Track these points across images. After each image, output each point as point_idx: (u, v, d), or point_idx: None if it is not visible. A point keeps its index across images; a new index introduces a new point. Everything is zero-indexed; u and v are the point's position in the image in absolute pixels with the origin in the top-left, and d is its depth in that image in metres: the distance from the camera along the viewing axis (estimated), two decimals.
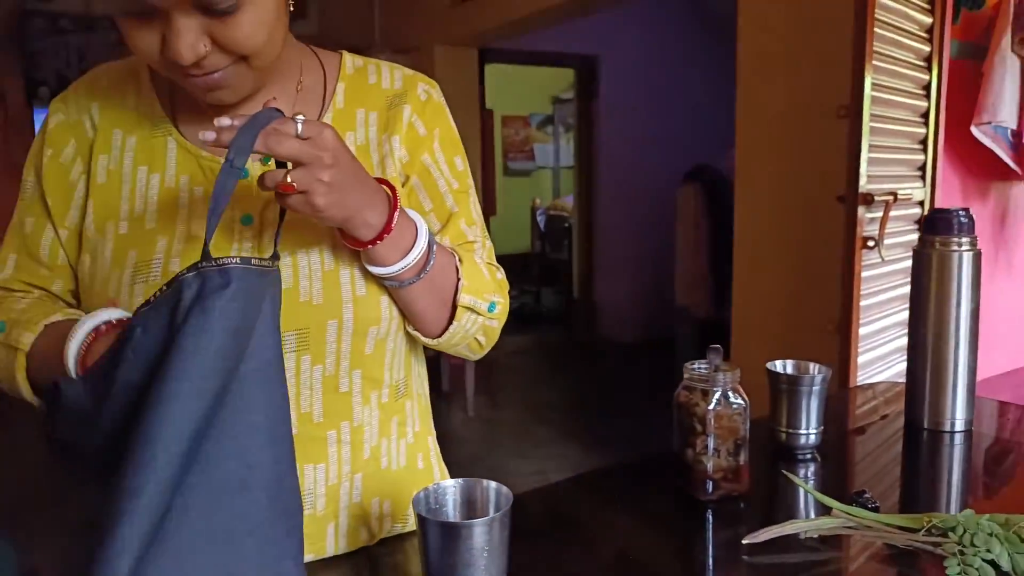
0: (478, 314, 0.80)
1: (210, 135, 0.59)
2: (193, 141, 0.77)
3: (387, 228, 0.69)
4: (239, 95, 0.72)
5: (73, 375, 0.64)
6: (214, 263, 0.57)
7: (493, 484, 0.62)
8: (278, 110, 0.62)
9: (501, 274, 0.87)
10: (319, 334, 0.73)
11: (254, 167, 0.75)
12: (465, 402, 4.02)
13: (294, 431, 0.72)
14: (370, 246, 0.70)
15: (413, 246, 0.72)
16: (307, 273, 0.73)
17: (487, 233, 0.89)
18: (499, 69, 5.61)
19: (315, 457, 0.76)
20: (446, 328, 0.79)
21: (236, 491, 0.56)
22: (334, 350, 0.75)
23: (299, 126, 0.61)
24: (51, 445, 0.67)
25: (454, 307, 0.78)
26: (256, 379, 0.58)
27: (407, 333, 0.81)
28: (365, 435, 0.79)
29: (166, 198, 0.75)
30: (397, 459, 0.83)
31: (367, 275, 0.75)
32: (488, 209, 4.78)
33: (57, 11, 4.61)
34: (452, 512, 0.62)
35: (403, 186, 0.82)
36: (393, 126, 0.82)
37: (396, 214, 0.69)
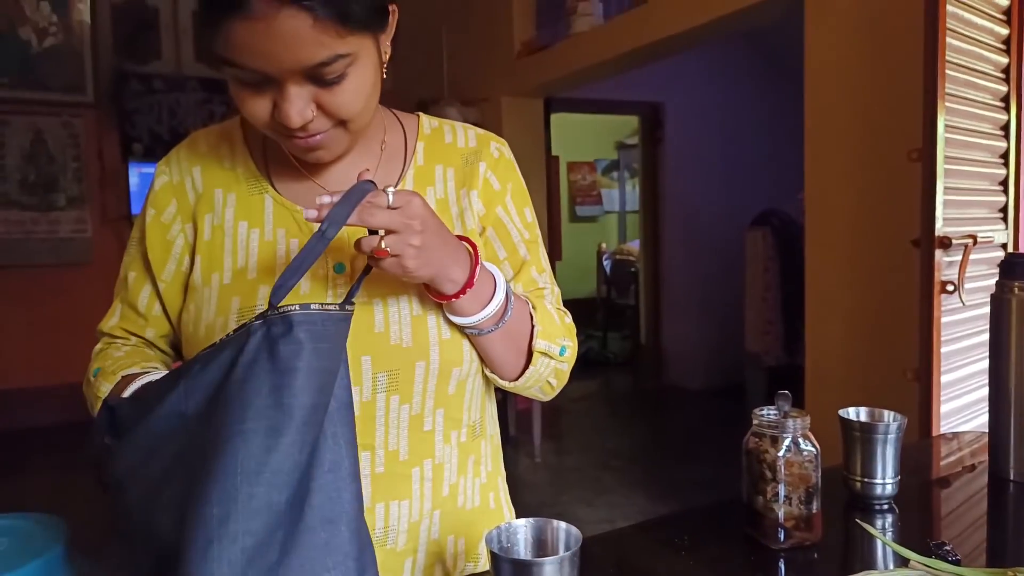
0: (551, 358, 0.84)
1: (312, 213, 0.64)
2: (288, 197, 0.83)
3: (469, 283, 0.74)
4: (334, 155, 0.78)
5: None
6: (277, 311, 0.62)
7: (563, 524, 0.63)
8: (371, 182, 0.67)
9: (569, 318, 0.91)
10: (408, 375, 0.78)
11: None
12: (532, 447, 4.01)
13: (380, 469, 0.76)
14: (453, 299, 0.75)
15: (492, 298, 0.77)
16: (397, 318, 0.78)
17: (554, 279, 0.93)
18: (565, 116, 5.71)
19: (400, 494, 0.79)
20: (522, 372, 0.83)
21: (321, 526, 0.59)
22: (420, 390, 0.79)
23: (390, 197, 0.67)
24: (98, 465, 0.73)
25: (530, 352, 0.82)
26: (338, 418, 0.62)
27: (485, 375, 0.85)
28: (445, 473, 0.83)
29: (265, 250, 0.81)
30: (472, 498, 0.86)
31: (452, 321, 0.79)
32: (554, 254, 4.82)
33: (152, 73, 4.95)
34: (523, 551, 0.64)
35: (480, 235, 0.87)
36: (470, 181, 0.87)
37: (478, 269, 0.74)
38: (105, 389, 0.79)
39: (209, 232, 0.83)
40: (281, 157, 0.84)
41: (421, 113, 0.92)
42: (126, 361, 0.83)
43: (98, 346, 0.89)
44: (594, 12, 3.64)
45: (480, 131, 0.92)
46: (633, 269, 6.19)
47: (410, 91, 5.02)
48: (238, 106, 0.74)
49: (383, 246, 0.66)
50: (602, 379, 5.90)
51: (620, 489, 3.53)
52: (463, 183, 0.87)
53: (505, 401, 4.16)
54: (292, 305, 0.63)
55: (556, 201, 6.50)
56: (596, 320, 6.97)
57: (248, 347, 0.62)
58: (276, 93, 0.70)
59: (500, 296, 0.77)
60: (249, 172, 0.85)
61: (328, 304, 0.65)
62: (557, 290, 0.93)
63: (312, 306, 0.63)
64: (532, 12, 4.19)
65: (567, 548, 0.61)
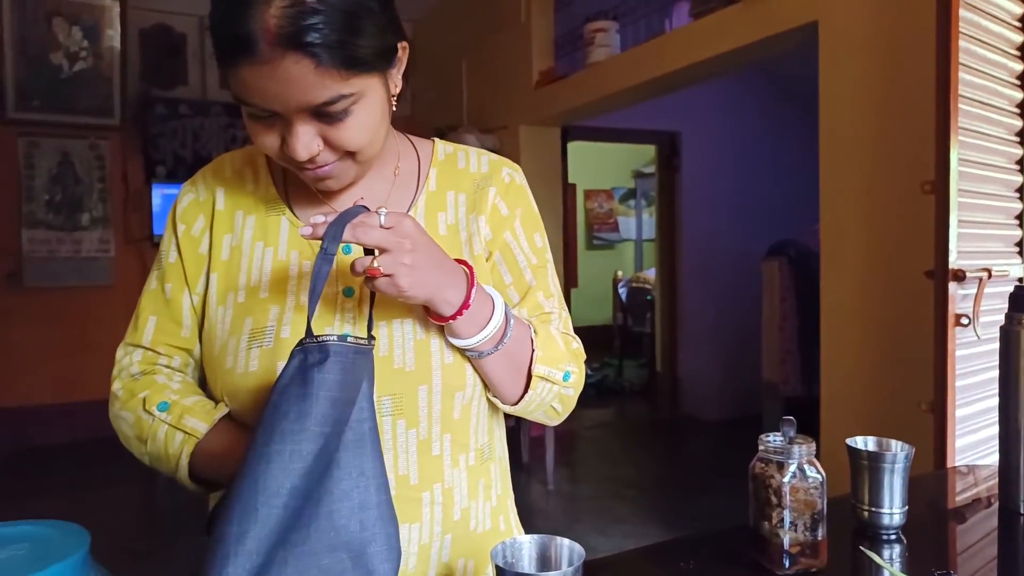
0: (553, 383, 0.85)
1: (307, 230, 0.68)
2: (304, 221, 0.85)
3: (465, 304, 0.76)
4: (342, 184, 0.82)
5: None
6: (315, 340, 0.66)
7: (566, 541, 0.64)
8: (364, 207, 0.71)
9: (577, 343, 0.92)
10: (412, 398, 0.79)
11: (357, 249, 0.83)
12: (545, 474, 3.99)
13: (393, 492, 0.77)
14: (451, 320, 0.76)
15: (490, 320, 0.78)
16: (400, 343, 0.80)
17: (564, 305, 0.94)
18: (582, 144, 5.76)
19: (411, 517, 0.80)
20: (522, 396, 0.84)
21: (326, 551, 0.60)
22: (426, 415, 0.80)
23: (382, 217, 0.70)
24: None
25: (530, 376, 0.83)
26: (353, 448, 0.64)
27: (489, 399, 0.86)
28: (455, 497, 0.84)
29: (278, 271, 0.83)
30: (483, 522, 0.87)
31: (453, 344, 0.80)
32: (570, 281, 4.84)
33: (177, 98, 5.07)
34: (528, 566, 0.65)
35: (487, 261, 0.88)
36: (479, 206, 0.89)
37: (473, 291, 0.76)
38: (201, 428, 0.80)
39: (227, 252, 0.86)
40: (299, 182, 0.86)
41: (437, 139, 0.94)
42: (200, 403, 0.84)
43: (134, 362, 0.88)
44: (612, 43, 3.69)
45: (495, 157, 0.94)
46: (649, 297, 6.19)
47: (430, 119, 5.11)
48: (251, 138, 0.78)
49: (375, 265, 0.68)
50: (617, 407, 5.88)
51: (634, 519, 3.50)
52: (473, 208, 0.89)
53: (518, 427, 4.15)
54: (331, 335, 0.67)
55: (572, 228, 6.56)
56: (612, 348, 6.96)
57: (285, 372, 0.66)
58: (284, 128, 0.74)
59: (498, 318, 0.78)
60: (269, 196, 0.88)
61: (360, 338, 0.69)
62: (566, 315, 0.94)
63: (348, 338, 0.67)
64: (550, 43, 4.26)
65: (570, 564, 0.63)
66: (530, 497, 3.84)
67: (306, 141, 0.74)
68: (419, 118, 5.44)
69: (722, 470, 4.15)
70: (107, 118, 4.86)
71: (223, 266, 0.85)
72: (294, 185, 0.88)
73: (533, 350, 0.83)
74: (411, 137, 0.94)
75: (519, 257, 0.90)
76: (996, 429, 1.93)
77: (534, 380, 0.83)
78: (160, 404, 0.82)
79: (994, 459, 1.93)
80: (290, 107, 0.71)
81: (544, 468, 4.00)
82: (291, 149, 0.74)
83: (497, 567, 0.61)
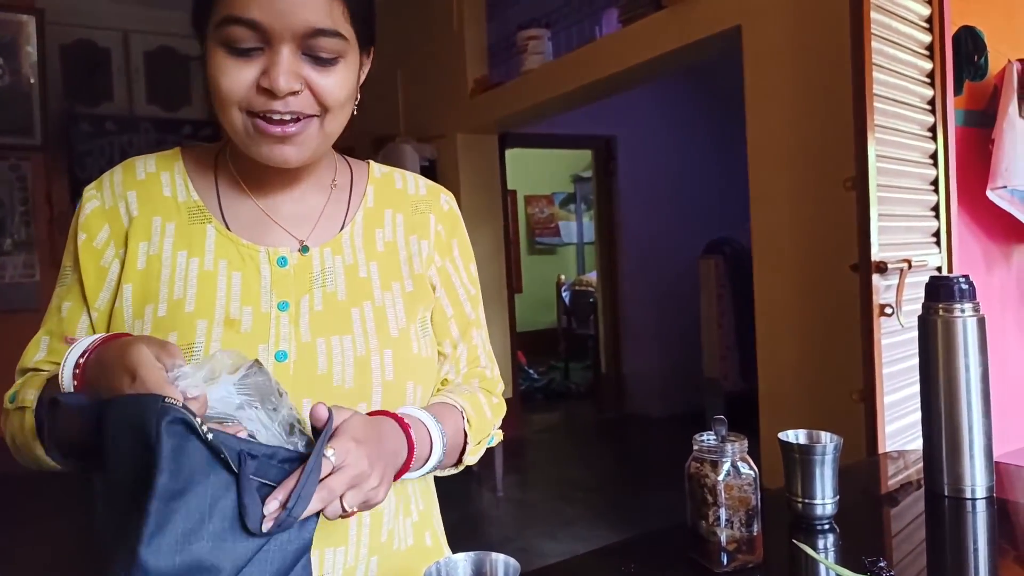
0: (477, 454, 0.91)
1: (268, 524, 0.58)
2: (233, 229, 0.81)
3: (408, 460, 0.74)
4: (302, 156, 0.76)
5: (69, 388, 0.67)
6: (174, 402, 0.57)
7: (501, 557, 0.64)
8: (329, 414, 0.64)
9: (497, 397, 0.96)
10: None
11: (292, 257, 0.81)
12: (494, 481, 3.99)
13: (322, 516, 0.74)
14: (402, 474, 0.75)
15: (431, 452, 0.79)
16: (340, 360, 0.78)
17: (487, 337, 0.98)
18: (522, 150, 5.79)
19: (336, 541, 0.78)
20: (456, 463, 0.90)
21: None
22: None
23: (331, 459, 0.62)
24: (53, 453, 0.69)
25: (460, 461, 0.89)
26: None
27: None
28: (384, 518, 0.82)
29: (205, 282, 0.78)
30: (405, 539, 0.86)
31: (395, 361, 0.80)
32: (513, 287, 4.85)
33: (103, 114, 4.91)
34: None
35: (434, 290, 0.90)
36: (421, 230, 0.90)
37: (414, 449, 0.75)
38: (32, 395, 0.74)
39: (143, 261, 0.79)
40: (227, 186, 0.83)
41: (371, 161, 0.95)
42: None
43: (15, 385, 0.80)
44: (544, 50, 3.73)
45: (430, 182, 0.96)
46: (592, 299, 6.26)
47: (366, 129, 5.06)
48: (214, 83, 0.72)
49: (349, 509, 0.63)
50: (564, 410, 5.91)
51: (584, 521, 3.52)
52: (413, 230, 0.90)
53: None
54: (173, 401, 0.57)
55: (514, 234, 6.57)
56: (557, 351, 7.00)
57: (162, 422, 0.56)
58: (266, 60, 0.71)
59: (439, 450, 0.80)
60: (190, 201, 0.83)
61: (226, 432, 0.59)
62: (489, 349, 0.98)
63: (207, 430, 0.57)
64: (484, 51, 4.27)
65: None
66: (481, 505, 3.83)
67: (291, 72, 0.71)
68: (356, 128, 5.38)
69: (668, 466, 4.20)
70: (28, 137, 4.66)
71: (139, 276, 0.79)
72: (222, 190, 0.84)
73: (466, 442, 0.86)
74: (347, 157, 0.94)
75: (459, 290, 0.93)
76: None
77: (465, 459, 0.88)
78: (10, 396, 0.77)
79: (919, 443, 2.01)
80: (287, 25, 0.69)
81: (493, 475, 4.00)
82: (273, 79, 0.70)
83: None
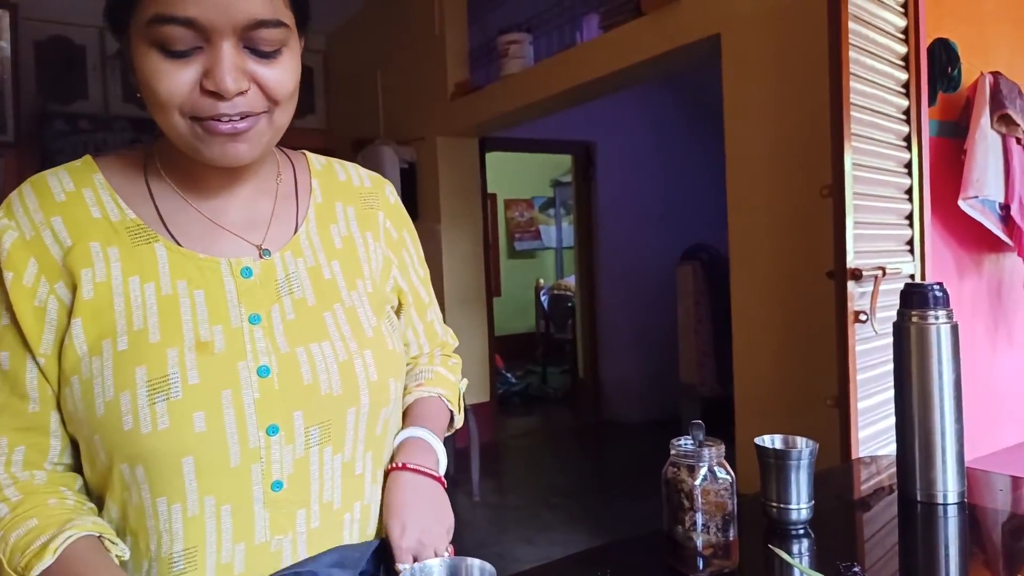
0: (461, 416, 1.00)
1: None
2: (188, 245, 0.75)
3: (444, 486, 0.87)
4: (254, 153, 0.72)
5: None
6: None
7: (477, 562, 0.63)
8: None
9: (454, 358, 1.04)
10: (340, 424, 0.76)
11: (255, 266, 0.76)
12: (471, 486, 3.97)
13: (316, 524, 0.74)
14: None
15: (438, 464, 0.88)
16: (324, 367, 0.75)
17: (438, 307, 1.01)
18: (502, 154, 5.79)
19: (332, 542, 0.77)
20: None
21: None
22: (352, 437, 0.77)
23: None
24: None
25: (451, 423, 0.99)
26: None
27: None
28: (372, 511, 0.81)
29: (166, 306, 0.71)
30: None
31: (376, 360, 0.79)
32: (492, 290, 4.84)
33: (77, 112, 4.83)
34: None
35: (398, 293, 0.91)
36: (372, 227, 0.88)
37: (444, 484, 0.88)
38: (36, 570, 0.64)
39: (90, 290, 0.70)
40: (165, 197, 0.76)
41: (306, 151, 0.91)
42: (44, 521, 0.67)
43: None
44: (525, 54, 3.73)
45: (370, 172, 0.93)
46: (570, 304, 6.27)
47: (346, 131, 5.03)
48: (149, 88, 0.67)
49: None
50: (542, 414, 5.91)
51: (561, 526, 3.52)
52: (364, 225, 0.87)
53: (444, 441, 4.11)
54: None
55: (494, 238, 6.57)
56: (535, 355, 7.00)
57: None
58: (207, 60, 0.66)
59: (443, 460, 0.89)
60: (127, 220, 0.74)
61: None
62: (445, 328, 1.03)
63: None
64: (465, 55, 4.27)
65: None
66: (456, 509, 3.76)
67: (236, 71, 0.66)
68: (334, 131, 5.36)
69: (645, 472, 4.22)
70: (0, 134, 4.58)
71: (88, 308, 0.70)
72: (162, 201, 0.76)
73: (452, 413, 0.97)
74: (282, 148, 0.88)
75: (414, 278, 0.94)
76: (893, 420, 2.03)
77: (457, 422, 0.99)
78: None
79: (892, 448, 2.03)
80: (231, 18, 0.64)
81: (470, 480, 3.98)
82: (219, 80, 0.65)
83: None
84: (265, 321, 0.74)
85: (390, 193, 0.92)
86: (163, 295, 0.72)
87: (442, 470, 0.87)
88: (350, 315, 0.80)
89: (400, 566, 0.73)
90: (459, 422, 0.99)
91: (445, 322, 1.04)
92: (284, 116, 0.73)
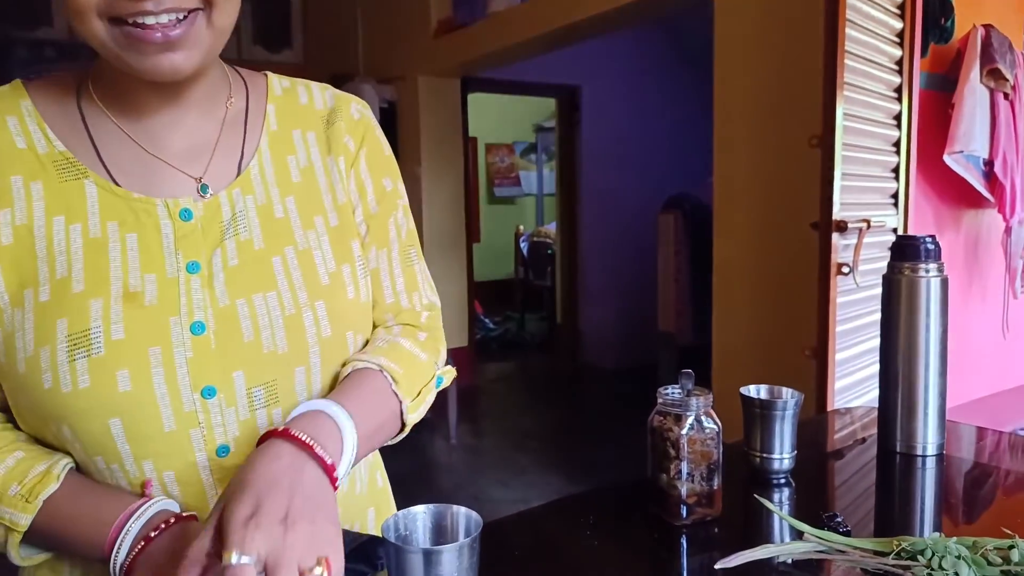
0: (426, 403, 0.77)
1: None
2: (123, 181, 0.67)
3: (332, 479, 0.60)
4: (192, 62, 0.63)
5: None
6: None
7: (463, 510, 0.62)
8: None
9: (424, 332, 0.81)
10: (287, 384, 0.68)
11: (196, 207, 0.68)
12: (448, 430, 4.00)
13: None
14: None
15: (341, 454, 0.63)
16: (268, 322, 0.67)
17: (420, 254, 0.84)
18: (483, 97, 5.67)
19: None
20: (400, 430, 0.76)
21: None
22: (305, 398, 0.70)
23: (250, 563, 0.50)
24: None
25: (403, 424, 0.74)
26: None
27: None
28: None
29: (93, 252, 0.64)
30: (363, 480, 0.83)
31: (330, 313, 0.70)
32: (472, 236, 4.80)
33: (42, 39, 4.62)
34: (422, 538, 0.62)
35: (353, 213, 0.78)
36: (335, 147, 0.78)
37: (336, 479, 0.60)
38: (23, 520, 0.62)
39: (9, 234, 0.64)
40: (98, 126, 0.68)
41: (269, 73, 0.81)
42: (13, 466, 0.64)
43: None
44: None
45: (339, 91, 0.82)
46: (550, 251, 6.25)
47: (322, 66, 4.88)
48: None
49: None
50: (519, 360, 5.95)
51: (536, 469, 3.57)
52: (328, 149, 0.77)
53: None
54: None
55: (474, 182, 6.50)
56: (514, 302, 7.01)
57: None
58: None
59: (351, 441, 0.64)
60: (55, 153, 0.66)
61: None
62: (422, 268, 0.84)
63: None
64: None
65: (467, 534, 0.60)
66: (433, 453, 3.85)
67: None
68: (311, 64, 5.20)
69: (620, 418, 4.29)
70: None
71: (7, 254, 0.63)
72: (96, 130, 0.68)
73: (400, 402, 0.72)
74: (239, 69, 0.78)
75: (359, 208, 0.78)
76: (869, 371, 2.06)
77: (408, 420, 0.74)
78: None
79: (867, 399, 2.06)
80: None
81: (447, 423, 4.01)
82: None
83: (387, 542, 0.58)
84: (204, 269, 0.66)
85: (356, 110, 0.80)
86: (90, 238, 0.65)
87: (343, 467, 0.62)
88: (303, 259, 0.71)
89: (233, 555, 0.49)
90: (412, 420, 0.74)
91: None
92: (224, 16, 0.64)
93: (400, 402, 0.72)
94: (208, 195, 0.69)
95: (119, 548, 0.60)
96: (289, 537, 0.51)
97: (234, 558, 0.49)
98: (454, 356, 4.04)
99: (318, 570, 0.51)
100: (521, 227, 7.47)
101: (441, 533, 0.62)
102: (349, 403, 0.65)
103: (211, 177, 0.70)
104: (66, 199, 0.65)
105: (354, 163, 0.79)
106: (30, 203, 0.64)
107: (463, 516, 0.61)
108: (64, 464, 0.64)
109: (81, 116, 0.69)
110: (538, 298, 6.69)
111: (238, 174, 0.72)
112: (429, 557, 0.56)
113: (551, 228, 6.41)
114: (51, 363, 0.61)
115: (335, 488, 0.59)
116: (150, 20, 0.59)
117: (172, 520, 0.62)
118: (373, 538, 0.68)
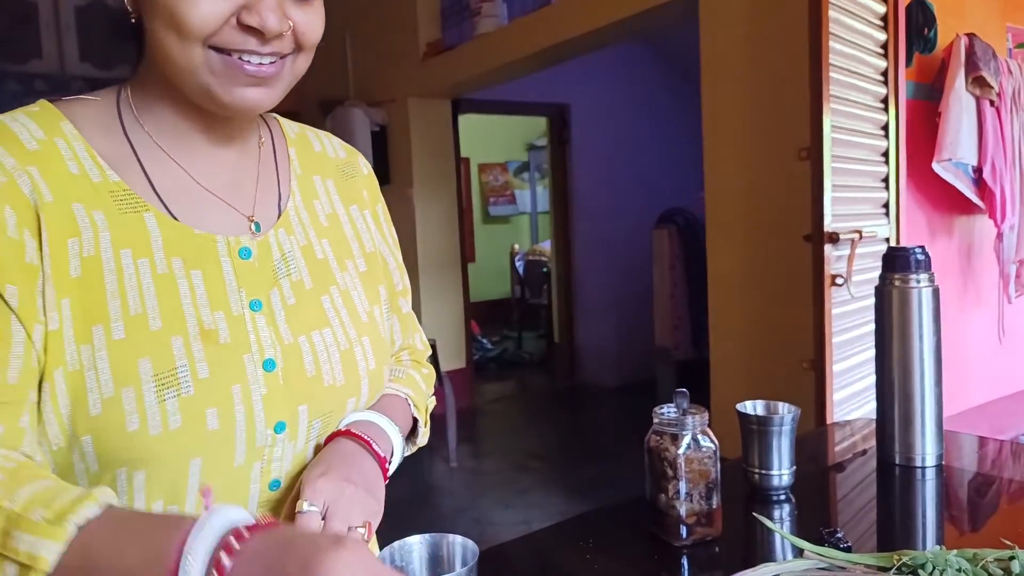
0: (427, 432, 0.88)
1: None
2: (180, 215, 0.66)
3: (384, 473, 0.71)
4: (269, 101, 0.66)
5: None
6: None
7: (459, 539, 0.61)
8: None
9: (427, 368, 0.92)
10: (339, 415, 0.72)
11: (253, 245, 0.69)
12: (447, 452, 3.97)
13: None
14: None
15: (391, 455, 0.75)
16: (327, 357, 0.70)
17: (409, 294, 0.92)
18: (475, 117, 5.70)
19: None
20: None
21: None
22: None
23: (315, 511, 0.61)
24: None
25: (415, 430, 0.85)
26: None
27: None
28: None
29: (164, 288, 0.62)
30: None
31: (374, 348, 0.75)
32: (466, 256, 4.80)
33: (32, 72, 4.64)
34: (418, 569, 0.61)
35: (385, 263, 0.84)
36: (356, 199, 0.82)
37: (387, 467, 0.72)
38: (48, 555, 0.47)
39: (78, 266, 0.60)
40: (148, 154, 0.67)
41: (277, 115, 0.82)
42: (35, 496, 0.51)
43: None
44: (498, 13, 3.65)
45: (342, 142, 0.87)
46: (546, 269, 6.25)
47: (312, 91, 4.90)
48: (176, 10, 0.59)
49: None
50: (518, 380, 5.92)
51: (538, 490, 3.54)
52: (348, 199, 0.81)
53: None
54: None
55: (468, 202, 6.52)
56: (511, 320, 7.00)
57: None
58: None
59: (399, 453, 0.77)
60: (110, 182, 0.63)
61: None
62: (418, 327, 0.93)
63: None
64: (437, 13, 4.16)
65: (464, 564, 0.60)
66: (433, 476, 3.82)
67: (279, 10, 0.62)
68: (302, 89, 5.21)
69: (620, 435, 4.27)
70: None
71: (75, 288, 0.59)
72: (146, 159, 0.66)
73: (416, 427, 0.84)
74: None
75: (390, 259, 0.85)
76: (867, 382, 2.05)
77: (419, 441, 0.86)
78: None
79: (866, 410, 2.06)
80: None
81: (446, 446, 3.98)
82: (262, 18, 0.60)
83: None
84: (266, 307, 0.67)
85: (364, 164, 0.86)
86: (158, 274, 0.63)
87: (393, 464, 0.75)
88: (346, 298, 0.74)
89: (304, 504, 0.60)
90: (423, 438, 0.85)
91: (419, 289, 0.96)
92: (304, 64, 0.68)
93: (416, 422, 0.84)
94: (260, 234, 0.70)
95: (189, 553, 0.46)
96: (347, 494, 0.62)
97: (305, 506, 0.60)
98: (452, 378, 4.02)
99: (361, 530, 0.61)
100: (516, 246, 7.48)
101: (438, 563, 0.61)
102: (397, 419, 0.77)
103: (259, 215, 0.72)
104: (129, 232, 0.63)
105: (375, 216, 0.84)
106: (96, 233, 0.61)
107: (459, 546, 0.61)
108: (107, 492, 0.52)
109: (129, 143, 0.66)
110: (535, 316, 6.68)
111: (279, 213, 0.74)
112: None
113: (546, 246, 6.42)
114: (138, 404, 0.58)
115: (385, 479, 0.70)
116: (255, 59, 0.62)
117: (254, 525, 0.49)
118: None
